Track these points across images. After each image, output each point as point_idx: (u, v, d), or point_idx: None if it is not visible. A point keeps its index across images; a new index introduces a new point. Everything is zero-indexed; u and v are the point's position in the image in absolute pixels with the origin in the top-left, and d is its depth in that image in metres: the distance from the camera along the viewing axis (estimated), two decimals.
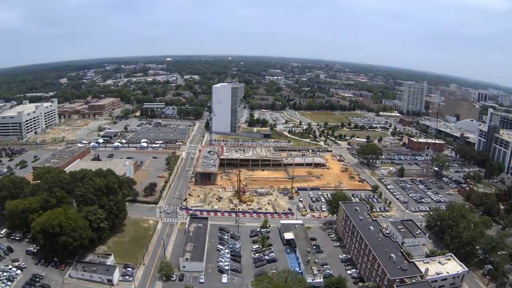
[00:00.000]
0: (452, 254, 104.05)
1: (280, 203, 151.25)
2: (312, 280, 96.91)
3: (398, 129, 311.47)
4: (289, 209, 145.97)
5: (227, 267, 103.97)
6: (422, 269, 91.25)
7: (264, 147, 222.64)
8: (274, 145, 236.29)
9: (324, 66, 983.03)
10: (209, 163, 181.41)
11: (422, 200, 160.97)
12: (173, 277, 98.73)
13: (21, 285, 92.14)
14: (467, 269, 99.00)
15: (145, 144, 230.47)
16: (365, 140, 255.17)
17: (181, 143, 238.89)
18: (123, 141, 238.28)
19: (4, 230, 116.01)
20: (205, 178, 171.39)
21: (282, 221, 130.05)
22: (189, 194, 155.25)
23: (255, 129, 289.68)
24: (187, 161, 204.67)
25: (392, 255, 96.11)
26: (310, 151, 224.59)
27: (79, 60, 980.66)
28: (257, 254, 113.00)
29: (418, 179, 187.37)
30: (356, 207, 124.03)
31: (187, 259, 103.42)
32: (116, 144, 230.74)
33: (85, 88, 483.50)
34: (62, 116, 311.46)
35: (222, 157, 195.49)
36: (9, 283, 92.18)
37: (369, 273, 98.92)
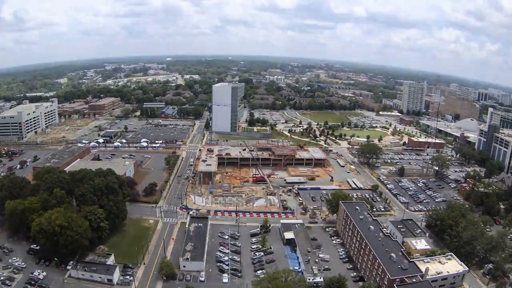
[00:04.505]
0: (453, 254, 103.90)
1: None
2: (312, 279, 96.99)
3: (398, 129, 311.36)
4: (289, 208, 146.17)
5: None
6: (422, 269, 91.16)
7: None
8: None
9: (324, 66, 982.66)
10: (209, 163, 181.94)
11: (422, 199, 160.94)
12: (173, 276, 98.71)
13: (21, 285, 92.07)
14: (468, 269, 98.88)
15: (145, 144, 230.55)
16: (365, 139, 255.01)
17: (181, 143, 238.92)
18: (123, 141, 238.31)
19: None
20: (206, 177, 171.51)
21: (282, 221, 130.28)
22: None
23: (255, 129, 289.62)
24: (187, 160, 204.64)
25: (392, 254, 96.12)
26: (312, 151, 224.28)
27: (79, 60, 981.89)
28: (257, 254, 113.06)
29: (418, 178, 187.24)
30: (356, 207, 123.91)
31: (187, 258, 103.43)
32: (116, 144, 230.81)
33: (85, 88, 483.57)
34: (62, 116, 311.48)
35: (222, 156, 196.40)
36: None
37: (369, 273, 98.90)
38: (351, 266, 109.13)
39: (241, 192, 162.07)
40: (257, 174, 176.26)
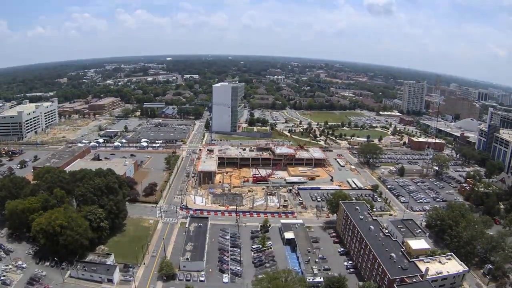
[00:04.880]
0: (453, 254, 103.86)
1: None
2: (312, 279, 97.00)
3: (398, 129, 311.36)
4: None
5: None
6: (423, 269, 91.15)
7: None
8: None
9: (324, 66, 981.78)
10: (209, 163, 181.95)
11: (423, 199, 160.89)
12: (173, 276, 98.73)
13: (21, 285, 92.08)
14: (468, 269, 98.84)
15: (145, 144, 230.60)
16: (365, 139, 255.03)
17: (181, 143, 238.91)
18: (123, 140, 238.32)
19: (5, 229, 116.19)
20: (206, 177, 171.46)
21: (283, 221, 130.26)
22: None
23: (255, 129, 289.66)
24: (187, 160, 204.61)
25: (393, 254, 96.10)
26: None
27: (79, 60, 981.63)
28: (257, 254, 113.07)
29: (418, 178, 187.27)
30: (356, 207, 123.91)
31: (187, 258, 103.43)
32: (116, 143, 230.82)
33: (85, 88, 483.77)
34: (62, 116, 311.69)
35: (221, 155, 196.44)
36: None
37: (369, 273, 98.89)
38: (351, 266, 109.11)
39: (241, 192, 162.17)
40: (257, 174, 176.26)
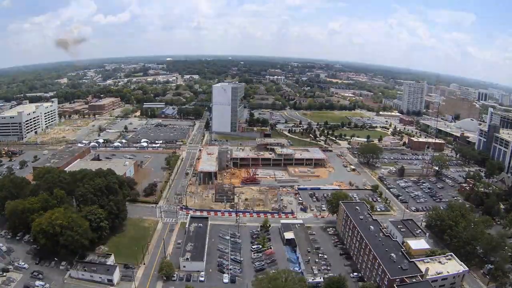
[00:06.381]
0: (453, 254, 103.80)
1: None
2: (312, 279, 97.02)
3: (398, 129, 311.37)
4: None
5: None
6: (423, 269, 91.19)
7: None
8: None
9: (324, 66, 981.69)
10: (209, 163, 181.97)
11: (422, 199, 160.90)
12: (173, 276, 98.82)
13: (21, 286, 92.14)
14: (468, 269, 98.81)
15: (145, 144, 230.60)
16: (365, 139, 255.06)
17: (181, 143, 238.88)
18: (123, 141, 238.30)
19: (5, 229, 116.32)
20: (207, 178, 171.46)
21: (283, 221, 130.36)
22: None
23: (255, 129, 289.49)
24: (187, 160, 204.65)
25: (392, 254, 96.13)
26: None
27: (79, 60, 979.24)
28: (257, 254, 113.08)
29: (418, 178, 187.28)
30: (357, 207, 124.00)
31: (187, 258, 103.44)
32: (116, 144, 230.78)
33: (85, 88, 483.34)
34: (62, 116, 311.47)
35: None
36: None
37: (369, 273, 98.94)
38: (351, 266, 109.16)
39: (241, 192, 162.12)
40: (257, 174, 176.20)
